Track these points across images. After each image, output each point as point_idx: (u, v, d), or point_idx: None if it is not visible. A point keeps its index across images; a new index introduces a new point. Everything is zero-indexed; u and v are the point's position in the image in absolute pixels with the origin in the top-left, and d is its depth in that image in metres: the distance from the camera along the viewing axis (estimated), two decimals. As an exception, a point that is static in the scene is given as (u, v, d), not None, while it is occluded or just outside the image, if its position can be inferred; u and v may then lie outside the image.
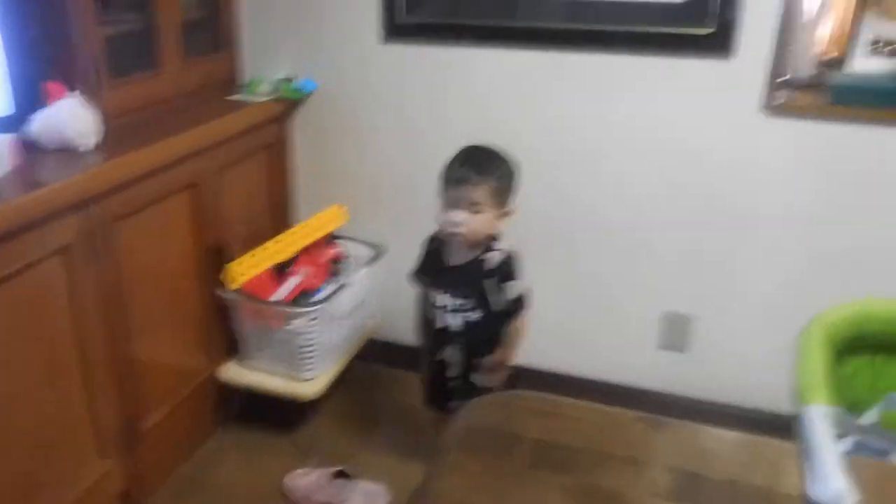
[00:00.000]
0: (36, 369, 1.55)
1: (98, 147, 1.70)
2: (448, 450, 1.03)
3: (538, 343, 2.14)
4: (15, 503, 1.54)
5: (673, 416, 2.16)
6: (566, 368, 2.34)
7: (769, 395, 2.13)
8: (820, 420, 1.04)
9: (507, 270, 1.70)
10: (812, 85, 1.94)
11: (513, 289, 1.70)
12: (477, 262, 1.70)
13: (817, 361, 1.35)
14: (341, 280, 2.23)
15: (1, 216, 1.38)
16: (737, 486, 0.98)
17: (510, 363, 1.77)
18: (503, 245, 1.72)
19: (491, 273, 1.69)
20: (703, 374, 2.22)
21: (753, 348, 2.14)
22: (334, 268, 2.23)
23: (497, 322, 1.75)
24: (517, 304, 1.71)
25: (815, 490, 0.94)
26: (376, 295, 2.31)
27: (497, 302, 1.71)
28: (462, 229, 1.64)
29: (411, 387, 2.10)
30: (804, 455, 1.01)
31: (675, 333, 2.20)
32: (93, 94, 1.75)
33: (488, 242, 1.71)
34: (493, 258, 1.70)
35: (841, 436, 1.03)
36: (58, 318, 1.58)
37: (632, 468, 1.00)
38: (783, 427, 2.03)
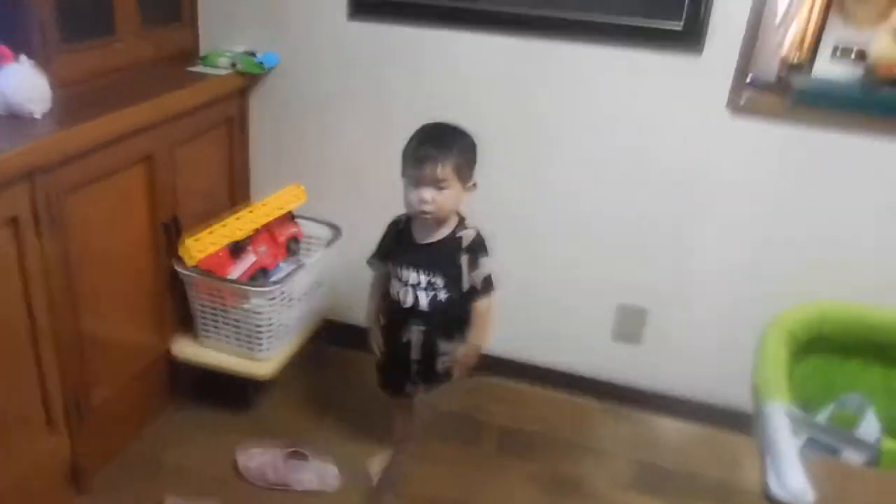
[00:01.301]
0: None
1: (48, 115, 1.63)
2: (416, 436, 1.03)
3: (497, 330, 2.16)
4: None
5: (627, 406, 2.24)
6: (524, 356, 2.35)
7: (721, 389, 2.17)
8: (779, 417, 1.08)
9: (479, 247, 1.71)
10: (776, 87, 1.98)
11: (485, 266, 1.70)
12: (452, 239, 1.71)
13: (777, 360, 1.40)
14: (298, 260, 2.21)
15: (-56, 184, 1.33)
16: (697, 479, 1.00)
17: (484, 347, 1.77)
18: (470, 223, 1.73)
19: (466, 249, 1.70)
20: (657, 365, 2.26)
21: (706, 342, 2.18)
22: (292, 247, 2.20)
23: (464, 303, 1.76)
24: (488, 283, 1.72)
25: (775, 486, 0.97)
26: (332, 276, 2.29)
27: (468, 279, 1.70)
28: (430, 207, 1.64)
29: (365, 368, 2.09)
30: (764, 451, 1.04)
31: (631, 325, 2.24)
32: (42, 60, 1.67)
33: (457, 219, 1.72)
34: (469, 234, 1.71)
35: (796, 433, 1.06)
36: (5, 290, 1.53)
37: (595, 457, 1.02)
38: (734, 421, 2.09)
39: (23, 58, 1.60)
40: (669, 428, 1.12)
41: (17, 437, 1.64)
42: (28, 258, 1.55)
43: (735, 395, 2.12)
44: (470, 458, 1.01)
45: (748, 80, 1.93)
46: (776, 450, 1.03)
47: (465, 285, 1.72)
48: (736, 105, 1.92)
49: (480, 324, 1.75)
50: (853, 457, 1.35)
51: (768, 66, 1.97)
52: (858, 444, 1.33)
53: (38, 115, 1.61)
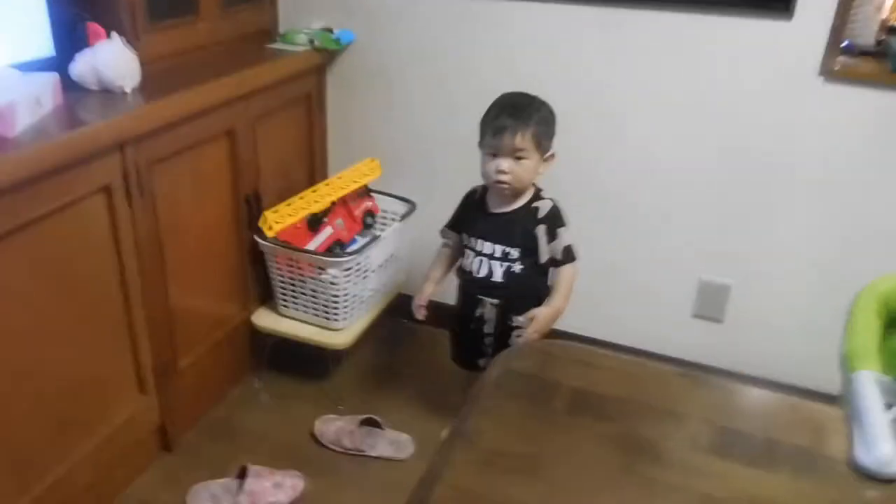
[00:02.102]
0: (80, 305, 1.58)
1: (137, 90, 1.71)
2: (483, 392, 1.04)
3: (570, 308, 2.13)
4: (58, 434, 1.58)
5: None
6: (600, 335, 2.31)
7: (806, 371, 2.08)
8: (869, 385, 1.03)
9: (556, 218, 1.69)
10: (875, 52, 1.88)
11: (564, 236, 1.68)
12: (529, 210, 1.69)
13: (868, 328, 1.32)
14: (374, 233, 2.24)
15: (46, 152, 1.40)
16: (778, 445, 0.97)
17: (561, 312, 1.72)
18: (545, 194, 1.72)
19: (543, 220, 1.68)
20: (739, 345, 2.18)
21: (792, 322, 2.10)
22: (367, 221, 2.23)
23: (539, 276, 1.75)
24: (569, 253, 1.70)
25: (861, 454, 0.93)
26: (406, 250, 2.32)
27: (547, 251, 1.69)
28: (508, 177, 1.63)
29: (439, 343, 2.10)
30: (851, 419, 1.00)
31: (712, 302, 2.17)
32: (132, 38, 1.75)
33: (533, 190, 1.71)
34: (545, 205, 1.69)
35: (889, 405, 1.01)
36: (101, 255, 1.61)
37: (671, 420, 1.00)
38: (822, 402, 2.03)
39: (114, 35, 1.67)
40: (750, 394, 1.08)
41: (112, 396, 1.73)
42: (120, 226, 1.63)
43: (821, 377, 2.05)
44: (540, 416, 1.00)
45: (844, 44, 1.83)
46: (865, 418, 0.98)
47: (543, 257, 1.70)
48: (830, 71, 1.83)
49: (562, 289, 1.71)
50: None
51: (866, 30, 1.87)
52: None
53: (128, 90, 1.69)
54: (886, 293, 1.42)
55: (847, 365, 1.29)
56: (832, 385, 2.01)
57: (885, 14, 1.92)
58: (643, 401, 1.03)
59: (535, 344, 1.18)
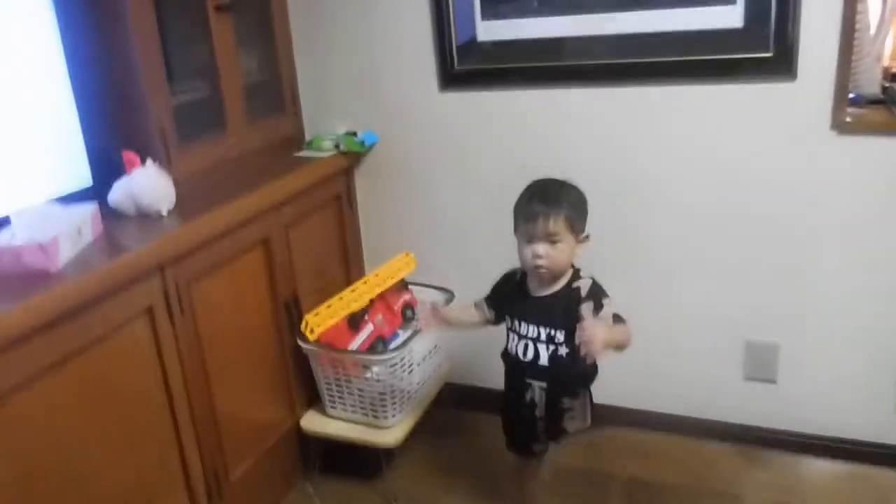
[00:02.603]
0: (129, 427, 1.60)
1: (173, 211, 1.77)
2: (538, 495, 1.00)
3: (618, 379, 2.08)
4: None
5: (763, 445, 2.09)
6: (653, 406, 2.22)
7: (869, 424, 2.00)
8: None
9: (599, 292, 1.67)
10: (881, 101, 1.89)
11: (609, 306, 1.65)
12: (569, 290, 1.68)
13: None
14: (415, 326, 2.24)
15: (90, 283, 1.46)
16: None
17: (617, 342, 1.60)
18: (584, 273, 1.70)
19: (587, 298, 1.66)
20: (796, 404, 2.09)
21: (846, 374, 2.03)
22: (407, 314, 2.24)
23: (583, 358, 1.72)
24: (618, 318, 1.65)
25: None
26: (449, 340, 2.31)
27: None
28: (545, 262, 1.63)
29: (490, 430, 2.06)
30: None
31: (762, 362, 2.10)
32: (164, 160, 1.83)
33: (571, 271, 1.70)
34: (585, 283, 1.68)
35: None
36: (145, 373, 1.64)
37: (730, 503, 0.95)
38: (882, 457, 1.93)
39: (149, 162, 1.75)
40: (810, 469, 1.03)
41: (164, 514, 1.72)
42: (163, 342, 1.66)
43: (886, 427, 1.96)
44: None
45: (851, 96, 1.84)
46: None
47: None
48: (841, 123, 1.83)
49: (622, 331, 1.63)
50: None
51: (870, 79, 1.88)
52: None
53: (164, 213, 1.75)
54: None
55: None
56: (890, 434, 1.93)
57: (885, 62, 1.94)
58: (701, 486, 0.98)
59: (585, 436, 1.14)
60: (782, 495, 0.95)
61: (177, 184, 1.82)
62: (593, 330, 1.52)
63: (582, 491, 0.99)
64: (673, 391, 2.22)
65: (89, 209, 1.64)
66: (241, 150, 2.13)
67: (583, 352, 1.54)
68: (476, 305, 1.83)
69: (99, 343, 1.50)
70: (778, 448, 2.10)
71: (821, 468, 1.02)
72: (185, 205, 1.81)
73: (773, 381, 2.11)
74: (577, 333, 1.57)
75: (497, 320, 1.81)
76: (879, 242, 1.91)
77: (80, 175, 1.74)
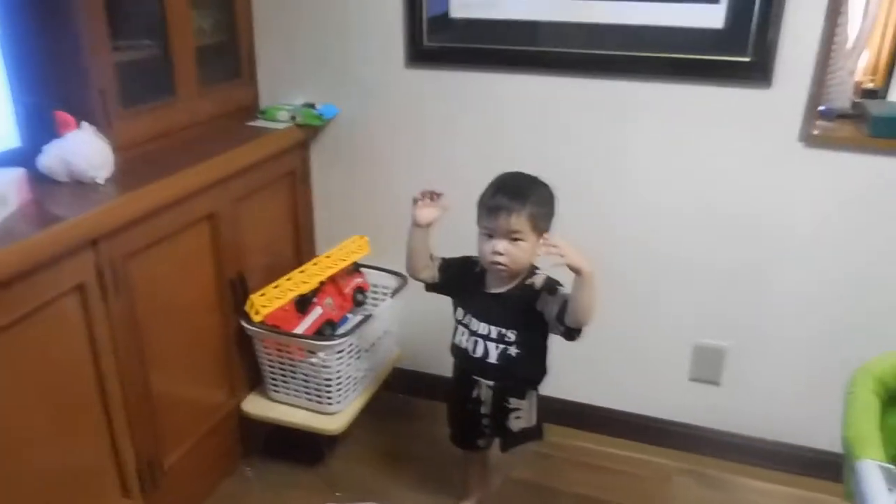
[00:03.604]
0: (56, 409, 1.50)
1: (111, 180, 1.65)
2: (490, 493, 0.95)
3: (568, 376, 2.06)
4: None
5: (707, 451, 2.09)
6: (595, 401, 2.24)
7: (806, 432, 2.05)
8: (873, 475, 0.97)
9: (553, 282, 1.62)
10: (852, 115, 1.88)
11: (566, 292, 1.59)
12: (524, 287, 1.62)
13: (867, 412, 1.29)
14: (365, 311, 2.17)
15: (13, 255, 1.33)
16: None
17: (584, 267, 1.47)
18: (539, 270, 1.65)
19: (541, 289, 1.61)
20: (737, 408, 2.12)
21: (789, 382, 2.05)
22: (358, 298, 2.16)
23: (536, 361, 1.68)
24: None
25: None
26: (400, 325, 2.24)
27: (556, 306, 1.57)
28: (504, 259, 1.57)
29: (437, 417, 2.01)
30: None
31: (709, 365, 2.11)
32: (104, 125, 1.69)
33: (529, 268, 1.64)
34: (539, 278, 1.63)
35: (891, 491, 0.95)
36: (75, 357, 1.53)
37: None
38: (821, 466, 1.95)
39: (84, 125, 1.62)
40: (755, 490, 1.00)
41: (91, 501, 1.63)
42: (95, 323, 1.55)
43: (821, 437, 2.00)
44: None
45: (821, 109, 1.82)
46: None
47: (553, 316, 1.58)
48: (809, 136, 1.81)
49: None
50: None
51: (842, 94, 1.87)
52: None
53: (100, 181, 1.63)
54: (881, 374, 1.38)
55: (849, 451, 1.23)
56: (830, 443, 1.96)
57: (858, 77, 1.93)
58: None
59: (535, 447, 1.09)
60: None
61: (118, 150, 1.69)
62: (555, 241, 1.47)
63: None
64: (621, 387, 2.22)
65: (15, 173, 1.51)
66: (191, 116, 2.00)
67: (554, 262, 1.46)
68: (432, 258, 1.75)
69: (23, 321, 1.38)
70: (715, 449, 2.13)
71: (765, 491, 0.99)
72: (126, 174, 1.69)
73: (716, 384, 2.13)
74: (542, 250, 1.49)
75: (436, 289, 1.75)
76: (835, 256, 1.91)
77: (6, 135, 1.57)
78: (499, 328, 1.63)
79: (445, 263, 1.74)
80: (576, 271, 1.47)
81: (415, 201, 1.66)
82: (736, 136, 1.88)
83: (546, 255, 1.48)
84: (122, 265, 1.60)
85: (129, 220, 1.59)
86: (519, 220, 1.54)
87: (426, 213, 1.65)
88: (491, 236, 1.58)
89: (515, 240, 1.56)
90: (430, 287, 1.76)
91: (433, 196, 1.66)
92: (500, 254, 1.56)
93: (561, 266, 1.47)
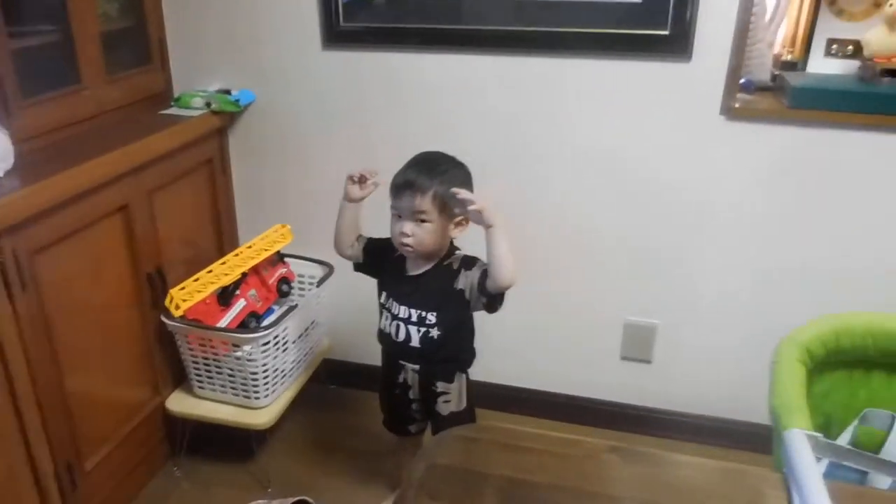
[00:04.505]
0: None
1: (11, 173, 1.56)
2: (408, 496, 0.94)
3: (497, 358, 2.07)
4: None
5: (639, 428, 2.14)
6: (530, 384, 2.27)
7: (735, 405, 2.10)
8: (800, 443, 0.99)
9: (472, 259, 1.60)
10: (771, 87, 1.91)
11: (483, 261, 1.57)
12: (442, 268, 1.60)
13: (793, 380, 1.31)
14: (291, 301, 2.12)
15: None
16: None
17: (496, 223, 1.46)
18: (458, 250, 1.63)
19: (460, 267, 1.59)
20: (668, 384, 2.16)
21: (719, 358, 2.09)
22: (283, 289, 2.12)
23: (458, 341, 1.67)
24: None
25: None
26: (327, 314, 2.20)
27: (474, 282, 1.56)
28: (410, 240, 1.54)
29: (368, 407, 2.00)
30: (787, 481, 0.95)
31: (639, 343, 2.14)
32: (2, 115, 1.61)
33: (448, 249, 1.61)
34: (457, 256, 1.61)
35: (819, 459, 0.97)
36: (-22, 361, 1.45)
37: (607, 505, 0.92)
38: (751, 438, 2.02)
39: (-19, 114, 1.53)
40: (684, 464, 1.01)
41: (6, 511, 1.56)
42: (1, 323, 1.47)
43: (750, 410, 2.07)
44: (470, 517, 0.91)
45: (741, 82, 1.84)
46: (799, 479, 0.94)
47: (473, 293, 1.57)
48: (730, 109, 1.84)
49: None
50: (880, 480, 1.25)
51: (761, 66, 1.90)
52: (885, 466, 1.23)
53: (0, 174, 1.54)
54: (807, 342, 1.41)
55: (777, 420, 1.26)
56: (759, 413, 2.03)
57: (777, 49, 1.96)
58: (576, 487, 0.95)
59: (460, 430, 1.09)
60: (658, 494, 0.93)
61: (18, 141, 1.60)
62: (467, 195, 1.44)
63: (453, 491, 0.93)
64: (552, 369, 2.24)
65: None
66: (98, 105, 1.91)
67: (473, 218, 1.45)
68: (358, 238, 1.71)
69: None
70: (651, 429, 2.17)
71: (694, 464, 1.01)
72: (29, 165, 1.60)
73: (648, 361, 2.15)
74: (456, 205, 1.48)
75: (361, 269, 1.72)
76: (759, 229, 1.94)
77: None
78: (419, 311, 1.61)
79: (371, 244, 1.71)
80: (486, 223, 1.44)
81: (350, 178, 1.62)
82: (658, 110, 1.89)
83: (455, 206, 1.46)
84: (29, 261, 1.52)
85: (33, 213, 1.51)
86: (424, 201, 1.50)
87: (357, 187, 1.61)
88: (400, 217, 1.55)
89: (422, 221, 1.53)
90: (357, 267, 1.73)
91: (364, 178, 1.62)
92: (407, 235, 1.53)
93: (471, 213, 1.45)
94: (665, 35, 1.81)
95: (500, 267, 1.48)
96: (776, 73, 1.93)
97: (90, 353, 1.75)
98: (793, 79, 1.84)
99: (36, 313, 1.56)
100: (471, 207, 1.45)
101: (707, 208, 1.95)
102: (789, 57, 1.97)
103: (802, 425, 1.19)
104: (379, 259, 1.69)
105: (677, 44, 1.80)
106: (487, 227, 1.45)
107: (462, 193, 1.45)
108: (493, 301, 1.55)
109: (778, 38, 1.96)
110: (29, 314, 1.54)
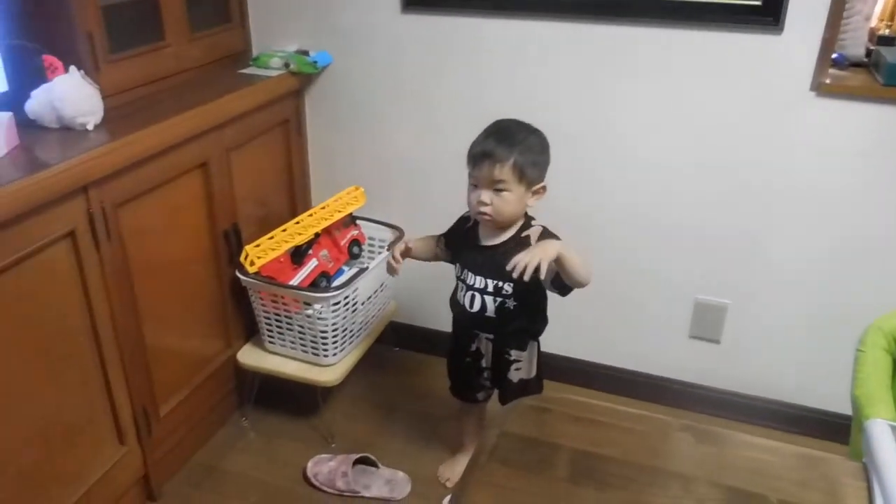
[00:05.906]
0: (50, 358, 1.50)
1: (100, 126, 1.62)
2: (480, 462, 0.95)
3: (566, 332, 2.06)
4: (35, 488, 1.50)
5: (705, 409, 2.10)
6: (597, 358, 2.25)
7: (803, 391, 2.05)
8: (884, 435, 0.95)
9: (549, 236, 1.57)
10: (866, 63, 1.81)
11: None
12: (519, 240, 1.58)
13: (878, 370, 1.26)
14: (361, 263, 2.15)
15: (2, 200, 1.30)
16: (794, 506, 0.89)
17: (565, 252, 1.45)
18: (536, 222, 1.62)
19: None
20: (737, 365, 2.11)
21: (790, 341, 2.03)
22: (354, 251, 2.14)
23: (533, 312, 1.66)
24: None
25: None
26: (396, 278, 2.22)
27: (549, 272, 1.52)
28: (488, 209, 1.53)
29: (432, 371, 2.01)
30: (869, 472, 0.92)
31: (709, 323, 2.09)
32: (92, 70, 1.66)
33: (523, 220, 1.60)
34: (535, 231, 1.58)
35: None
36: (68, 303, 1.52)
37: (678, 484, 0.91)
38: (821, 424, 1.96)
39: (73, 69, 1.58)
40: (758, 446, 0.99)
41: (88, 448, 1.64)
42: (88, 271, 1.54)
43: (821, 397, 2.02)
44: (540, 486, 0.91)
45: (834, 57, 1.75)
46: (881, 470, 0.91)
47: (548, 279, 1.53)
48: (821, 85, 1.74)
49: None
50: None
51: (856, 41, 1.79)
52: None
53: (90, 127, 1.59)
54: (893, 330, 1.34)
55: (859, 410, 1.22)
56: (831, 401, 1.96)
57: (873, 23, 1.85)
58: (647, 463, 0.94)
59: (532, 400, 1.09)
60: (729, 476, 0.92)
61: (107, 97, 1.65)
62: (517, 259, 1.42)
63: (525, 459, 0.94)
64: (618, 345, 2.21)
65: (3, 118, 1.47)
66: (180, 63, 1.95)
67: (516, 274, 1.42)
68: (436, 239, 1.74)
69: (14, 268, 1.37)
70: (713, 406, 2.13)
71: (768, 447, 0.99)
72: (115, 120, 1.65)
73: (717, 341, 2.11)
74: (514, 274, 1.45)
75: (452, 260, 1.73)
76: (843, 211, 1.86)
77: (-6, 78, 1.54)
78: (495, 281, 1.60)
79: (448, 237, 1.73)
80: (552, 260, 1.43)
81: (391, 267, 1.73)
82: (743, 84, 1.81)
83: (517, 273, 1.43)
84: (113, 213, 1.58)
85: (119, 167, 1.56)
86: (503, 170, 1.49)
87: (398, 264, 1.73)
88: (477, 186, 1.54)
89: (500, 190, 1.51)
90: (448, 261, 1.75)
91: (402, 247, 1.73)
92: (486, 203, 1.52)
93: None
94: (756, 5, 1.73)
95: (576, 277, 1.48)
96: (871, 48, 1.83)
97: (167, 304, 1.82)
98: (890, 55, 1.73)
99: (119, 264, 1.62)
100: (531, 269, 1.40)
101: (786, 187, 1.88)
102: (886, 31, 1.87)
103: (886, 416, 1.15)
104: (455, 242, 1.70)
105: (769, 14, 1.72)
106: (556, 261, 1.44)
107: (520, 265, 1.41)
108: (564, 289, 1.55)
109: (875, 10, 1.85)
110: (113, 265, 1.60)
